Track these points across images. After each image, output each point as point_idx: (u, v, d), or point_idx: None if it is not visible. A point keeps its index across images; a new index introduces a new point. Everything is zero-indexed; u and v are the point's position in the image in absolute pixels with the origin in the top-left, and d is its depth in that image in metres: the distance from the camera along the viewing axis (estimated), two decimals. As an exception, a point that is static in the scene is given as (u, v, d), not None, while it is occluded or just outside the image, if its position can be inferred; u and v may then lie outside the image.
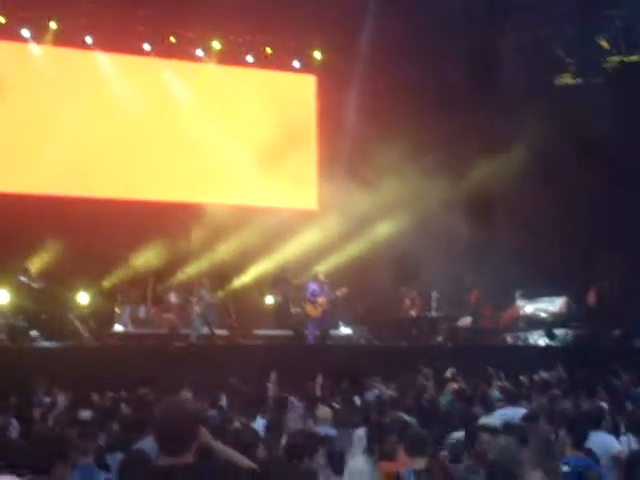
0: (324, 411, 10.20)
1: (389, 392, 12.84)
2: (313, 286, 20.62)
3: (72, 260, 20.21)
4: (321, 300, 20.44)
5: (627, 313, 21.57)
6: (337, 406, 11.04)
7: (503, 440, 7.03)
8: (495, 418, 9.80)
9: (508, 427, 8.40)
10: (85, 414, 11.20)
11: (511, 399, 10.97)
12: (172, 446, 4.43)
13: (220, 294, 21.45)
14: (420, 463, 6.57)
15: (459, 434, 8.31)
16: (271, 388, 12.94)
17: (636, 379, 14.41)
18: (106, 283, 20.94)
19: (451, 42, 21.53)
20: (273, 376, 13.36)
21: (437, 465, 6.69)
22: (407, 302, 22.16)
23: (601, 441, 8.50)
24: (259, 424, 9.91)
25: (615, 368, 15.53)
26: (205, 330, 20.19)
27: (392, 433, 7.26)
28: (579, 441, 7.72)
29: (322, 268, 21.26)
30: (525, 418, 9.12)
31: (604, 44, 22.64)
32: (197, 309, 20.22)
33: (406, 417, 9.66)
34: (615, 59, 22.66)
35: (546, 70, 23.22)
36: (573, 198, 21.51)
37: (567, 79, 23.48)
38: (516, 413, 9.84)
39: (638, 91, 21.64)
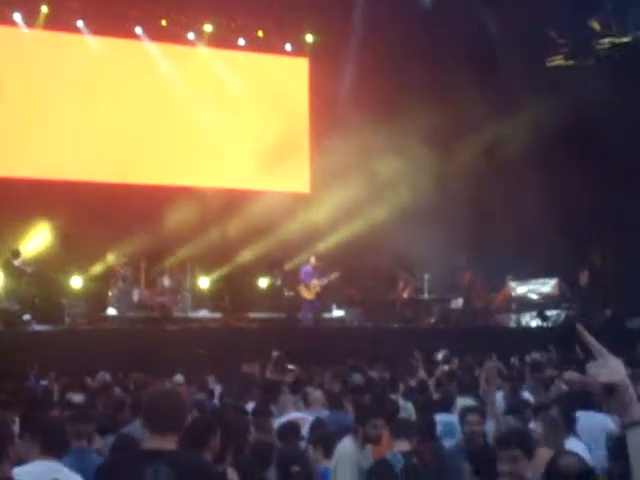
0: (315, 394, 10.24)
1: (379, 374, 12.90)
2: (306, 269, 20.74)
3: (65, 244, 20.27)
4: (315, 283, 20.55)
5: (619, 294, 21.68)
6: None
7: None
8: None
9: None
10: (77, 398, 11.26)
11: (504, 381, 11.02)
12: (159, 428, 4.55)
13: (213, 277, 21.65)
14: (406, 445, 6.62)
15: (445, 416, 8.37)
16: (270, 369, 12.99)
17: (625, 360, 14.46)
18: (99, 267, 20.95)
19: (444, 25, 21.47)
20: (275, 355, 13.43)
21: (424, 447, 6.73)
22: (400, 284, 22.23)
23: (594, 420, 8.54)
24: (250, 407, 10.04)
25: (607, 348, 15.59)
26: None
27: (377, 416, 7.28)
28: (569, 423, 7.61)
29: (315, 251, 21.34)
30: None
31: (595, 26, 22.64)
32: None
33: (400, 400, 9.74)
34: (607, 41, 22.67)
35: (539, 53, 23.20)
36: (565, 181, 21.51)
37: (559, 61, 23.49)
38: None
39: (630, 72, 21.62)
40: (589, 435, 7.89)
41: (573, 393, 9.63)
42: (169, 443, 4.53)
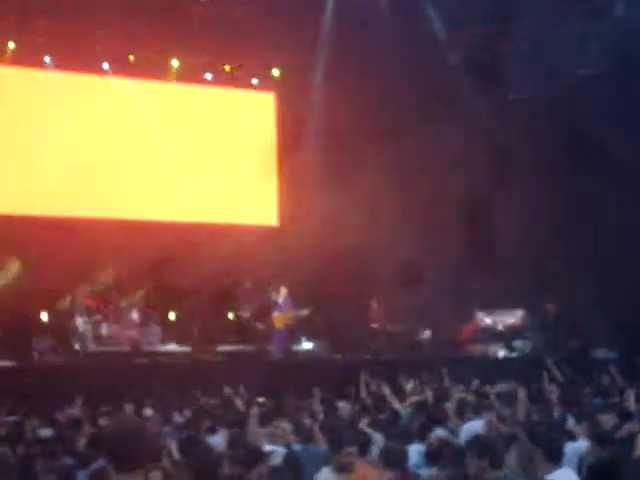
0: (285, 426, 10.24)
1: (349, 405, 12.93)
2: (280, 299, 20.84)
3: (33, 278, 20.19)
4: (289, 314, 20.68)
5: (585, 325, 21.85)
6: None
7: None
8: (463, 431, 9.96)
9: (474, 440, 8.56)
10: (45, 432, 11.24)
11: (474, 410, 11.08)
12: (124, 465, 4.49)
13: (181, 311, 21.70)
14: (393, 475, 6.63)
15: (418, 447, 8.42)
16: (239, 402, 13.00)
17: (594, 390, 14.61)
18: (68, 301, 20.86)
19: (408, 59, 21.66)
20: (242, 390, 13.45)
21: (401, 477, 6.77)
22: (374, 305, 22.32)
23: (569, 450, 8.64)
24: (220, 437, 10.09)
25: (577, 379, 15.76)
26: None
27: (350, 445, 7.31)
28: (554, 454, 7.57)
29: (284, 283, 21.40)
30: None
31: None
32: None
33: (369, 430, 9.77)
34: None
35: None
36: (532, 211, 21.77)
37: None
38: (479, 425, 9.97)
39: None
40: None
41: (546, 423, 9.77)
42: (136, 476, 4.43)
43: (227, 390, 14.42)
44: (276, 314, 20.79)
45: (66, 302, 20.84)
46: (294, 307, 20.89)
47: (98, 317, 20.46)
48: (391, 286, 21.41)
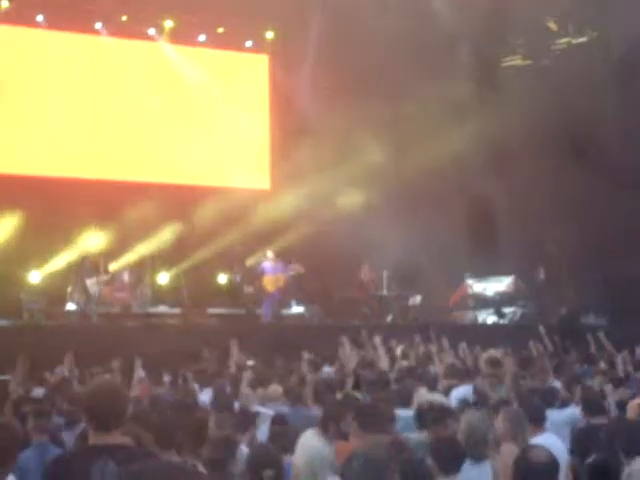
0: (274, 388, 10.29)
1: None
2: (267, 264, 20.83)
3: (24, 239, 20.15)
4: (280, 276, 20.69)
5: (575, 291, 21.95)
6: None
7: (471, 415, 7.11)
8: (451, 395, 10.01)
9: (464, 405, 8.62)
10: (38, 392, 11.27)
11: (461, 376, 11.12)
12: (100, 424, 4.61)
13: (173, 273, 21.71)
14: (373, 439, 6.63)
15: (404, 411, 8.44)
16: (232, 358, 13.03)
17: (583, 356, 14.70)
18: (59, 262, 20.85)
19: (400, 26, 21.52)
20: (234, 345, 13.44)
21: (390, 440, 6.77)
22: (365, 269, 22.36)
23: (561, 417, 8.73)
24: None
25: (566, 345, 15.85)
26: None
27: (349, 412, 7.28)
28: (539, 419, 7.75)
29: (275, 247, 21.41)
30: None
31: (552, 26, 22.86)
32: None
33: (357, 395, 9.78)
34: (563, 41, 22.90)
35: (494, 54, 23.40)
36: (523, 181, 21.78)
37: (516, 61, 23.72)
38: (468, 391, 10.01)
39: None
40: (554, 431, 8.01)
41: (536, 390, 9.82)
42: (114, 438, 4.60)
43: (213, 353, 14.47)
44: (266, 277, 20.80)
45: (58, 263, 20.82)
46: (285, 268, 20.90)
47: (105, 277, 20.36)
48: (384, 251, 21.40)
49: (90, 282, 19.83)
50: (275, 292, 20.83)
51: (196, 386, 11.14)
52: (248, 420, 7.91)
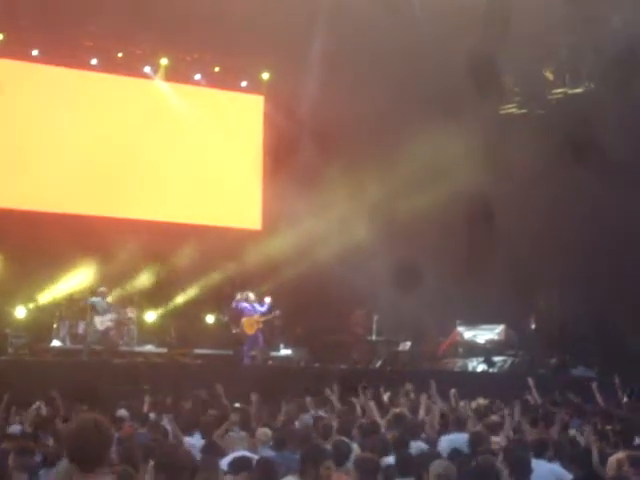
0: (263, 432, 10.13)
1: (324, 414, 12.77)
2: (245, 305, 20.68)
3: (11, 274, 20.00)
4: (256, 318, 20.52)
5: (565, 342, 21.84)
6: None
7: (439, 465, 7.00)
8: (441, 443, 9.86)
9: (455, 454, 8.47)
10: (15, 428, 11.08)
11: (453, 425, 10.98)
12: (85, 464, 4.46)
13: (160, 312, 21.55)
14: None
15: (390, 459, 8.33)
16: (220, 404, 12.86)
17: (572, 410, 14.51)
18: (45, 298, 20.69)
19: (397, 72, 21.56)
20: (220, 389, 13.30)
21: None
22: (354, 317, 22.24)
23: (548, 471, 8.51)
24: (196, 439, 9.94)
25: (555, 398, 15.67)
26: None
27: (329, 457, 7.21)
28: (523, 474, 7.53)
29: (265, 288, 21.32)
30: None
31: (549, 76, 22.93)
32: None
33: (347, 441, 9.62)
34: (559, 91, 22.96)
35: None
36: (512, 226, 21.73)
37: (512, 109, 23.78)
38: (460, 438, 9.86)
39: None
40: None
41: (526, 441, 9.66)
42: (101, 477, 4.47)
43: (203, 394, 14.26)
44: (244, 319, 20.68)
45: (44, 299, 20.65)
46: (268, 310, 20.76)
47: (75, 315, 20.20)
48: (375, 295, 21.30)
49: (101, 319, 19.73)
50: (257, 333, 20.66)
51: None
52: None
